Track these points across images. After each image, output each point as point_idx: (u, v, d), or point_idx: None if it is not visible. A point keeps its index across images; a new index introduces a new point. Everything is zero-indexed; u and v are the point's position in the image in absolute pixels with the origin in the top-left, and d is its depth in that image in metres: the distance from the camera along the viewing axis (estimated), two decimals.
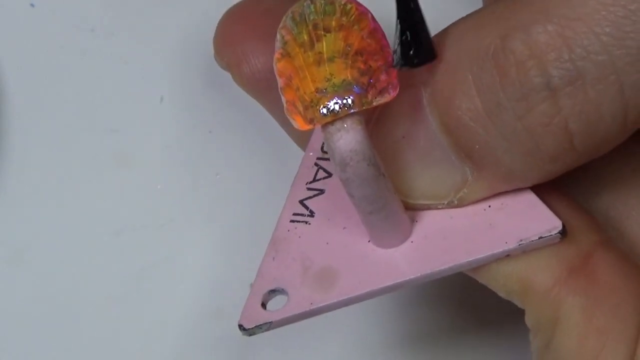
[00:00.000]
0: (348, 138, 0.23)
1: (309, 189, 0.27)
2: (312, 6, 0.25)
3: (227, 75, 0.33)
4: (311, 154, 0.28)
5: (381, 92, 0.24)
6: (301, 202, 0.27)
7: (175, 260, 0.33)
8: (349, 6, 0.24)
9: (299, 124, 0.24)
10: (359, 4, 0.24)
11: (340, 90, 0.24)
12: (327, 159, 0.27)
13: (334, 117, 0.24)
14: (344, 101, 0.24)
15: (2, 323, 0.33)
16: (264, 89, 0.29)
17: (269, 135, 0.34)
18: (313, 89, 0.24)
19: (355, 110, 0.24)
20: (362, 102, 0.24)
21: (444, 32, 0.25)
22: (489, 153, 0.24)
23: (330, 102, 0.24)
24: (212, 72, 0.34)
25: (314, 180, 0.27)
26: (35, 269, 0.33)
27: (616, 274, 0.25)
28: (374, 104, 0.24)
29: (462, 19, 0.25)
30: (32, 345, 0.33)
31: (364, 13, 0.24)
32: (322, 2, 0.25)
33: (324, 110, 0.24)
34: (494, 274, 0.25)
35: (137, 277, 0.33)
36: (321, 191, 0.27)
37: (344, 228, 0.26)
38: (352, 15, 0.24)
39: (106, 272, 0.33)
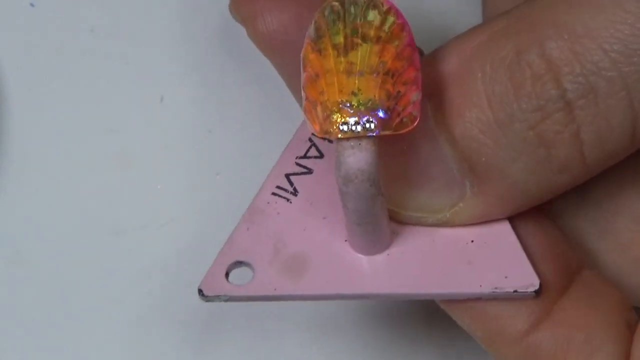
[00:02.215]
0: (359, 157, 0.23)
1: (297, 164, 0.27)
2: (353, 6, 0.24)
3: (227, 75, 0.33)
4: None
5: (403, 121, 0.23)
6: (287, 176, 0.27)
7: (175, 261, 0.33)
8: (391, 18, 0.24)
9: (315, 130, 0.23)
10: (400, 15, 0.24)
11: (365, 110, 0.23)
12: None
13: (352, 135, 0.23)
14: (367, 125, 0.23)
15: (2, 323, 0.33)
16: (277, 49, 0.28)
17: (269, 135, 0.34)
18: (338, 99, 0.23)
19: (374, 135, 0.23)
20: (383, 129, 0.23)
21: (451, 44, 0.25)
22: (496, 165, 0.24)
23: (351, 119, 0.23)
24: (213, 72, 0.34)
25: (305, 156, 0.27)
26: (35, 269, 0.33)
27: (583, 311, 0.25)
28: (394, 132, 0.23)
29: (468, 32, 0.25)
30: (32, 345, 0.33)
31: (403, 26, 0.24)
32: (365, 3, 0.24)
33: (344, 127, 0.23)
34: (460, 312, 0.25)
35: (137, 277, 0.33)
36: (309, 171, 0.27)
37: (324, 218, 0.26)
38: (391, 27, 0.24)
39: (106, 272, 0.33)
